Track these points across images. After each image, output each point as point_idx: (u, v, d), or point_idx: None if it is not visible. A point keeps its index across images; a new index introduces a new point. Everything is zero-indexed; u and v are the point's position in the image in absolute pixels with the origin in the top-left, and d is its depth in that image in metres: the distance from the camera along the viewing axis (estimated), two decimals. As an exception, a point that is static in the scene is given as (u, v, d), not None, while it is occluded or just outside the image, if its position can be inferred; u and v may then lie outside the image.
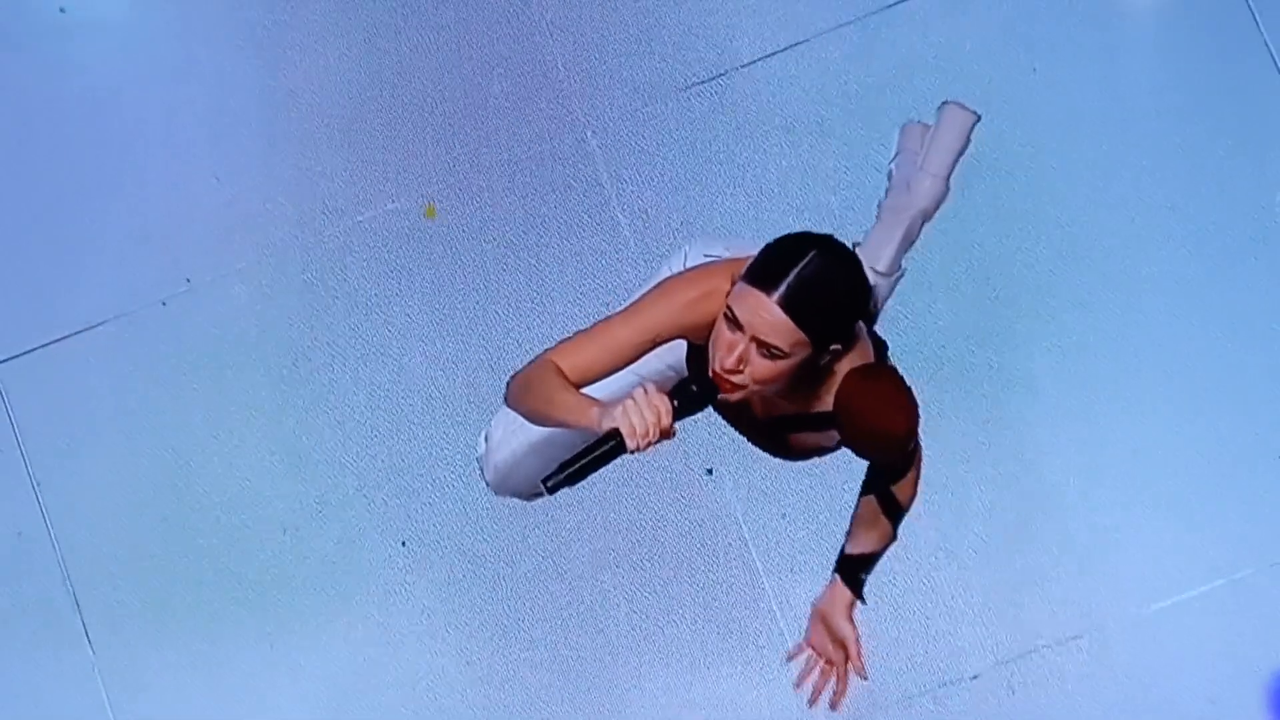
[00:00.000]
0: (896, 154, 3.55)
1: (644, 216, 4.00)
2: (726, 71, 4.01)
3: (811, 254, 2.52)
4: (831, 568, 3.19)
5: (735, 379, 2.57)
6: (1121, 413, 3.78)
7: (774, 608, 3.94)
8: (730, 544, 3.97)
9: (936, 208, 3.45)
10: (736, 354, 2.54)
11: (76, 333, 3.92)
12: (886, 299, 3.36)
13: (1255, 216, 3.80)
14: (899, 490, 2.92)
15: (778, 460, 3.04)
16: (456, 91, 4.03)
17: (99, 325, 3.90)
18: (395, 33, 4.06)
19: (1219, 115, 3.83)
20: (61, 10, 4.00)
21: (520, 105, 4.01)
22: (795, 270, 2.50)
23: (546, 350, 2.80)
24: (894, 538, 2.97)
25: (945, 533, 3.79)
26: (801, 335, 2.51)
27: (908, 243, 3.47)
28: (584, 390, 2.79)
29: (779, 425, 2.87)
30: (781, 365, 2.54)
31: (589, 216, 3.97)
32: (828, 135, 3.96)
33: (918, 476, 2.93)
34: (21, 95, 4.00)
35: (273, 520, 3.84)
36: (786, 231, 2.82)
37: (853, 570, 2.95)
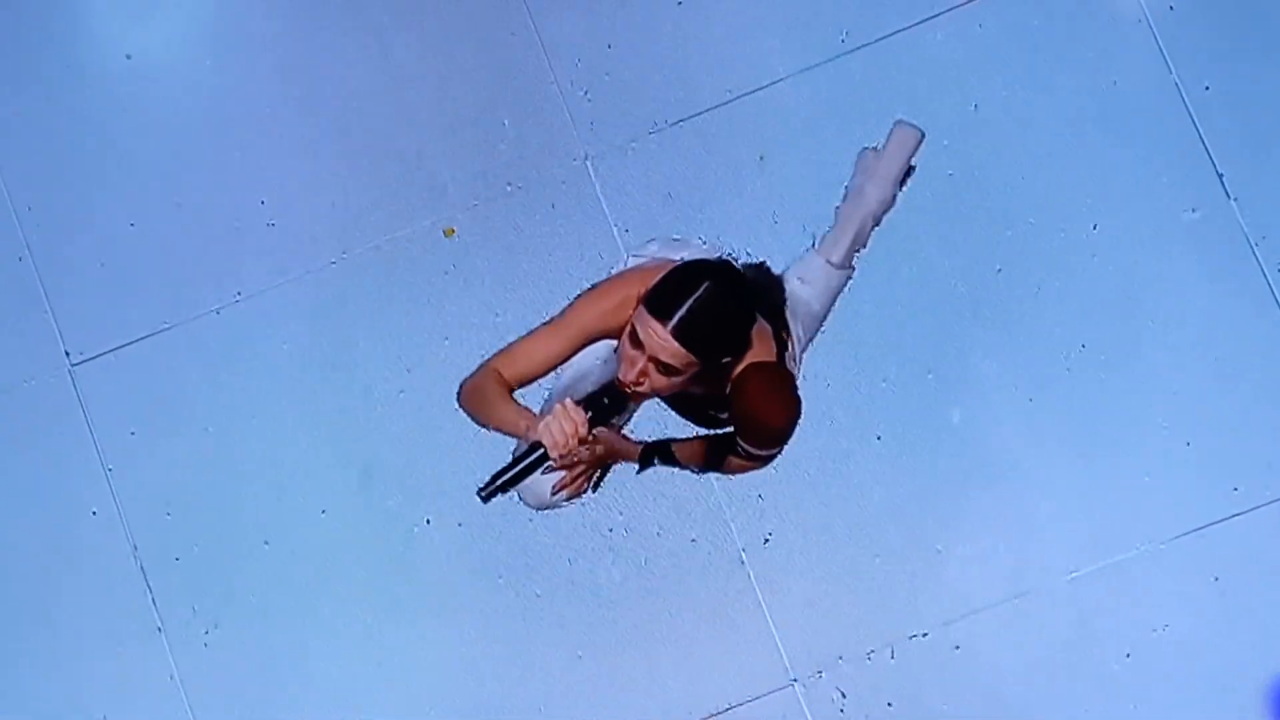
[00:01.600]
0: (854, 175, 3.81)
1: (640, 239, 4.06)
2: (721, 104, 4.15)
3: (704, 286, 2.74)
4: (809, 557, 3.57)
5: (638, 389, 2.80)
6: (1054, 401, 3.96)
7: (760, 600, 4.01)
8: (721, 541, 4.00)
9: (884, 212, 3.77)
10: (637, 369, 2.77)
11: (141, 338, 4.14)
12: (840, 290, 3.65)
13: (1168, 224, 3.97)
14: (736, 458, 3.10)
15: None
16: (471, 124, 4.17)
17: (161, 331, 4.13)
18: (420, 79, 4.22)
19: (1138, 145, 3.98)
20: (128, 57, 4.21)
21: (525, 135, 4.15)
22: (688, 304, 2.73)
23: (490, 358, 2.99)
24: (698, 470, 3.22)
25: (900, 504, 3.95)
26: (692, 358, 2.74)
27: (858, 242, 3.75)
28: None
29: (692, 403, 3.11)
30: (676, 379, 2.78)
31: (590, 239, 4.11)
32: (822, 164, 4.07)
33: (753, 468, 3.13)
34: (92, 130, 4.21)
35: (313, 500, 4.05)
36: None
37: (654, 450, 3.19)
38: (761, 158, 4.08)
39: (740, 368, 2.96)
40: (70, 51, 4.24)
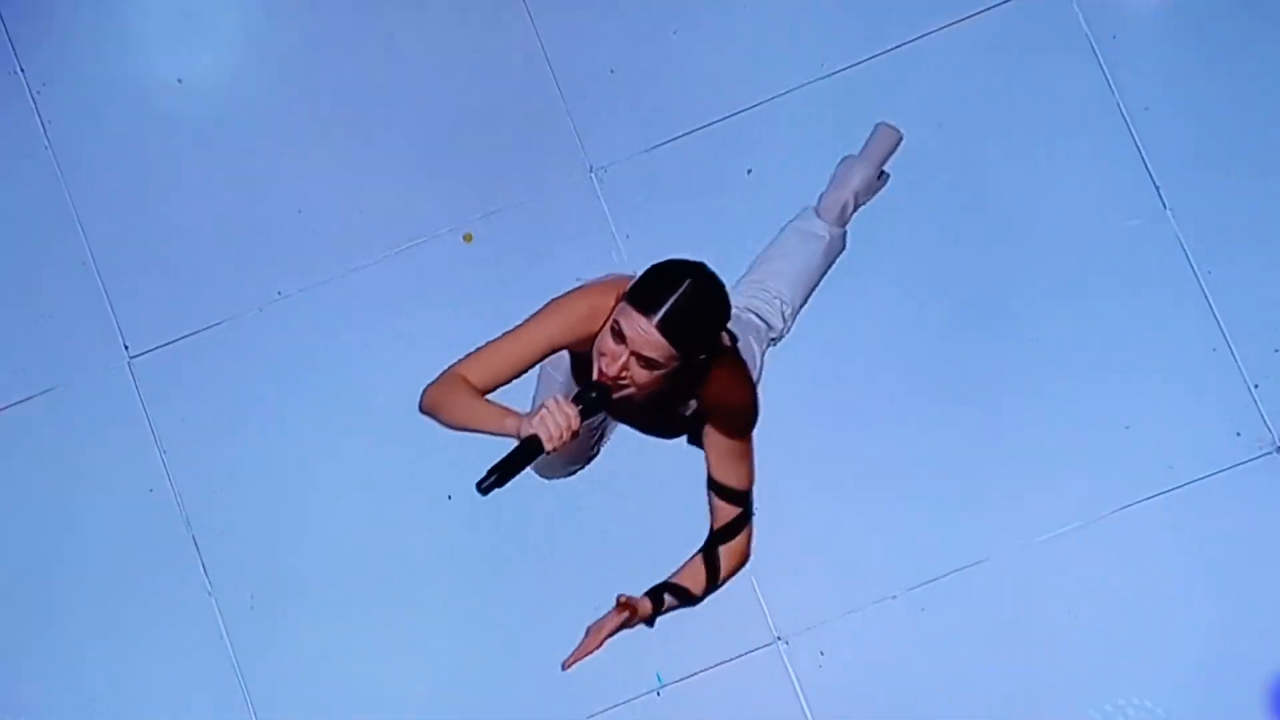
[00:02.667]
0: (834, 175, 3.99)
1: (643, 248, 4.23)
2: (713, 122, 4.33)
3: (687, 282, 2.77)
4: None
5: (621, 382, 2.81)
6: (1009, 388, 4.14)
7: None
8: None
9: (867, 188, 3.94)
10: (620, 363, 2.78)
11: (192, 334, 4.34)
12: (840, 251, 3.88)
13: (1112, 231, 4.17)
14: (725, 553, 3.07)
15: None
16: (487, 140, 4.34)
17: (210, 327, 4.32)
18: (440, 101, 4.37)
19: (1085, 161, 4.19)
20: (179, 80, 4.41)
21: (537, 150, 4.32)
22: (673, 298, 2.75)
23: (453, 365, 2.99)
24: (698, 599, 3.08)
25: (870, 484, 4.11)
26: (674, 352, 2.76)
27: (846, 211, 3.89)
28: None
29: (660, 408, 3.06)
30: (657, 373, 2.79)
31: (595, 244, 4.27)
32: (804, 176, 4.09)
33: (744, 554, 3.11)
34: (149, 147, 4.39)
35: (347, 479, 4.23)
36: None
37: (662, 593, 3.10)
38: (749, 171, 4.25)
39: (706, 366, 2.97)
40: (129, 77, 4.43)
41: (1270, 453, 4.04)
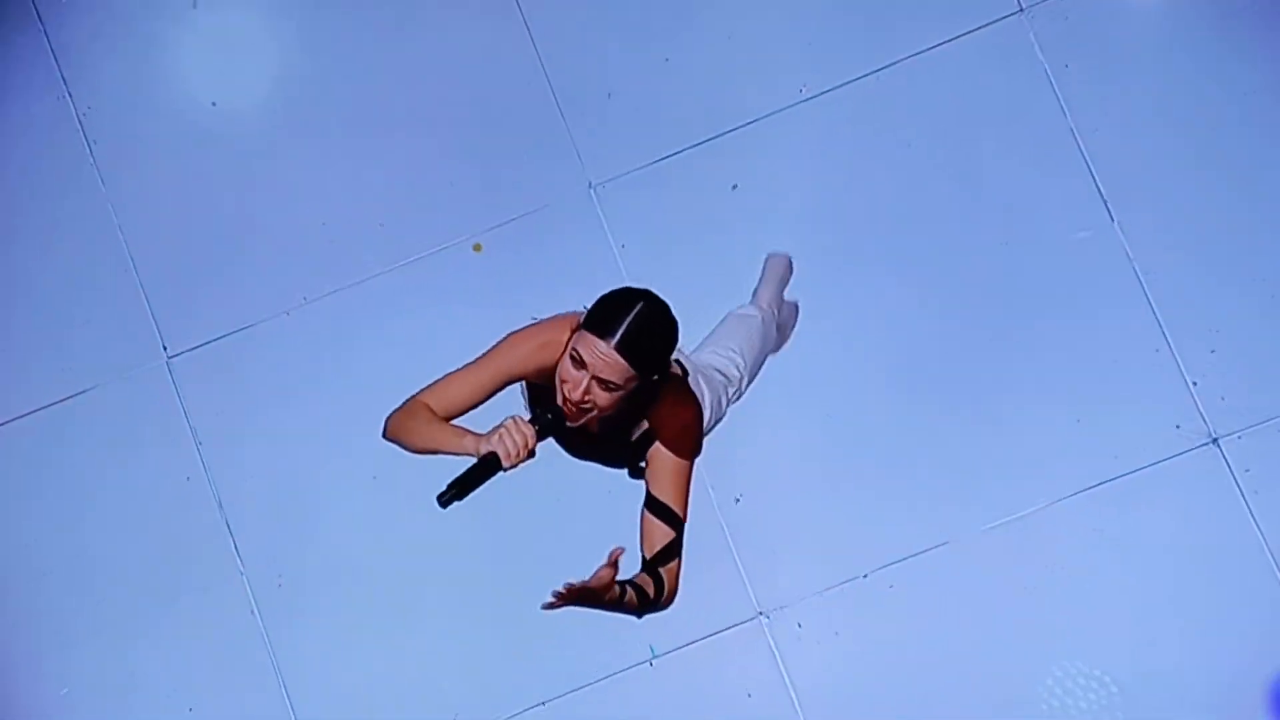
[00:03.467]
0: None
1: (638, 256, 4.33)
2: (702, 141, 4.37)
3: (639, 306, 2.78)
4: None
5: (583, 407, 2.81)
6: (971, 383, 4.20)
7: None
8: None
9: (779, 297, 4.08)
10: (582, 388, 2.80)
11: (225, 335, 4.37)
12: (789, 323, 4.11)
13: (1064, 241, 4.24)
14: (665, 573, 2.97)
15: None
16: (495, 159, 4.39)
17: (242, 330, 4.35)
18: (451, 123, 4.39)
19: (1041, 178, 4.25)
20: (214, 104, 4.44)
21: (541, 167, 4.38)
22: (628, 320, 2.77)
23: (416, 393, 3.01)
24: (647, 605, 2.97)
25: (843, 473, 4.18)
26: (633, 372, 2.77)
27: (772, 306, 4.02)
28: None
29: (612, 433, 3.07)
30: (616, 395, 2.80)
31: (595, 254, 4.32)
32: (783, 190, 4.35)
33: (675, 582, 3.02)
34: (186, 164, 4.42)
35: (365, 468, 4.25)
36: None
37: (625, 585, 2.91)
38: (734, 186, 4.30)
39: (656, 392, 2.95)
40: (167, 101, 4.45)
41: (1207, 444, 4.10)
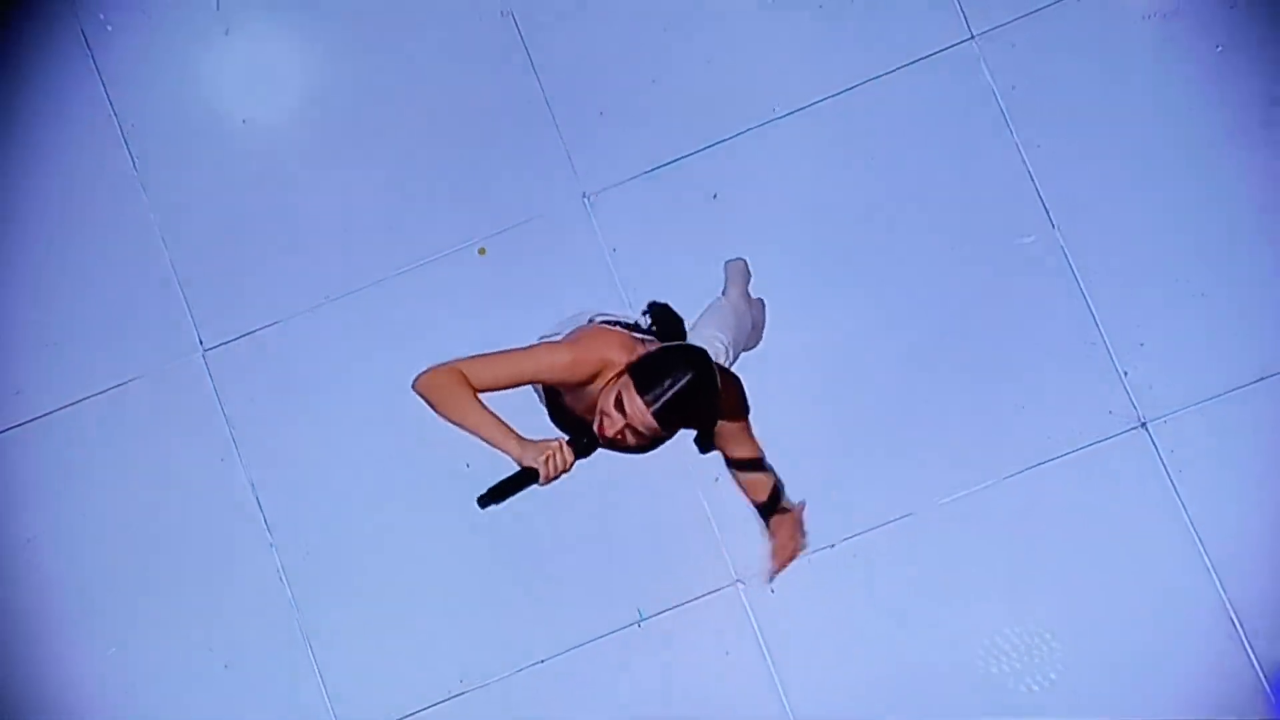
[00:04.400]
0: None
1: (627, 259, 4.42)
2: (687, 155, 4.45)
3: (687, 377, 2.76)
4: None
5: (618, 443, 2.85)
6: (926, 377, 4.35)
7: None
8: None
9: (745, 294, 4.13)
10: (617, 429, 2.82)
11: (254, 330, 4.47)
12: (763, 323, 4.18)
13: (1010, 245, 4.37)
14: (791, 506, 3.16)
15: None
16: (497, 170, 4.46)
17: (270, 325, 4.46)
18: (458, 139, 4.47)
19: (988, 189, 4.38)
20: (244, 121, 4.51)
21: (539, 178, 4.44)
22: (671, 392, 2.75)
23: (455, 360, 2.93)
24: (777, 480, 3.15)
25: (813, 447, 4.25)
26: (663, 433, 2.83)
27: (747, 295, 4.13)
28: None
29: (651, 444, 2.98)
30: (644, 441, 2.86)
31: (588, 259, 4.40)
32: (761, 200, 4.43)
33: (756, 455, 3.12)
34: (220, 175, 4.50)
35: (383, 446, 4.36)
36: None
37: (772, 508, 3.18)
38: (715, 196, 4.40)
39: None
40: (204, 118, 4.53)
41: (1136, 428, 4.28)
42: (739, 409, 3.09)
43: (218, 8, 4.56)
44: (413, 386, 2.90)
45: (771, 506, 3.15)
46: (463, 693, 4.37)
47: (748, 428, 3.12)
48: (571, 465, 2.82)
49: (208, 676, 4.39)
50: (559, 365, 2.92)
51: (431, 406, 2.88)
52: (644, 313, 3.26)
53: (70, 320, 4.50)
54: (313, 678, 4.38)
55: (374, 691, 4.37)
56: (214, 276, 4.51)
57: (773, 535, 3.15)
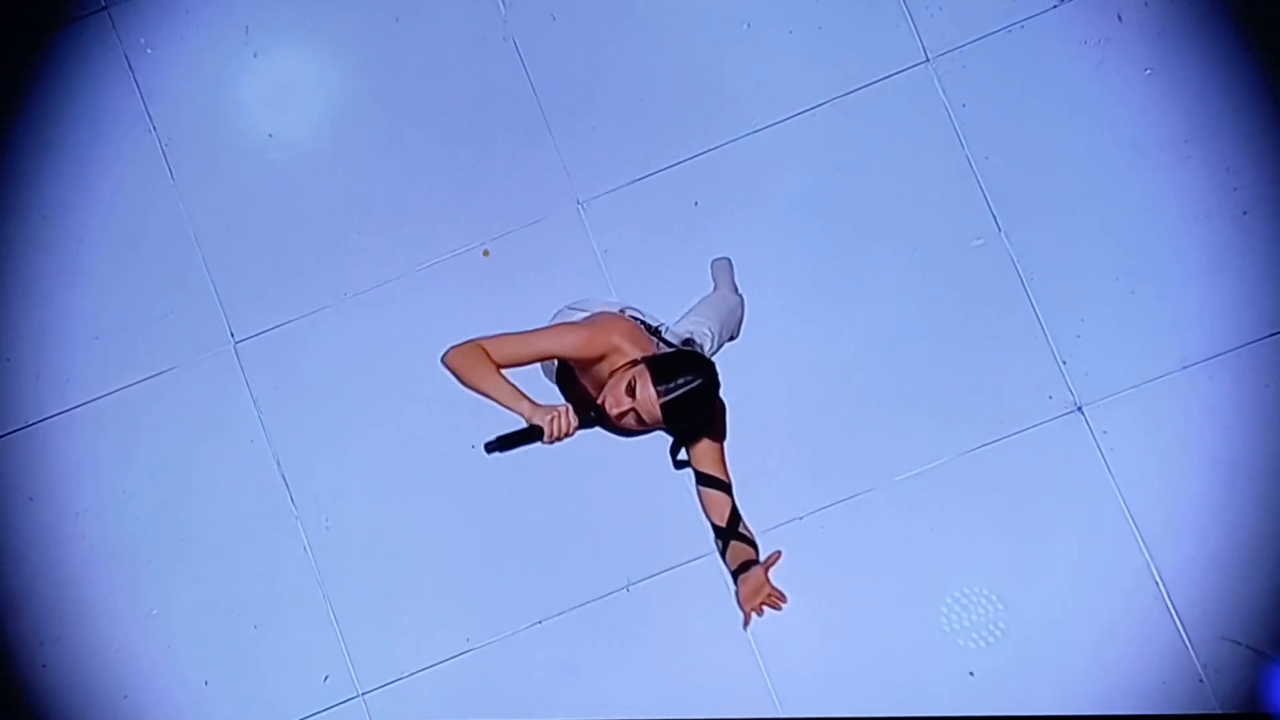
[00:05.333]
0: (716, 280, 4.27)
1: (617, 260, 4.55)
2: (671, 165, 4.58)
3: (699, 381, 2.87)
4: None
5: (618, 422, 2.94)
6: (877, 368, 4.50)
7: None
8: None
9: (731, 288, 4.24)
10: (622, 410, 2.91)
11: (280, 324, 4.59)
12: (741, 315, 4.28)
13: (963, 248, 4.53)
14: (744, 528, 3.14)
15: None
16: (499, 180, 4.56)
17: (294, 320, 4.59)
18: (463, 152, 4.57)
19: (943, 198, 4.52)
20: (270, 135, 4.63)
21: (536, 186, 4.56)
22: (682, 390, 2.85)
23: (479, 338, 3.04)
24: (735, 506, 3.14)
25: (784, 429, 4.41)
26: (663, 424, 2.93)
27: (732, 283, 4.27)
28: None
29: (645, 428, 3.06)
30: (646, 428, 2.96)
31: (581, 261, 4.52)
32: (740, 208, 4.54)
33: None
34: (244, 185, 4.63)
35: (400, 427, 4.47)
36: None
37: (730, 533, 3.17)
38: (696, 203, 4.54)
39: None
40: (234, 132, 4.65)
41: (1073, 411, 4.45)
42: (721, 430, 3.15)
43: (246, 33, 4.70)
44: (441, 360, 3.02)
45: (730, 531, 3.16)
46: (469, 650, 4.51)
47: (723, 451, 3.17)
48: (574, 431, 2.90)
49: (239, 636, 4.53)
50: (573, 343, 3.03)
51: (457, 376, 3.00)
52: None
53: (114, 316, 4.63)
54: (333, 637, 4.52)
55: (389, 649, 4.51)
56: (243, 276, 4.64)
57: (740, 585, 3.12)
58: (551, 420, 2.87)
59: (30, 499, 4.58)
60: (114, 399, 4.61)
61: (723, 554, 3.15)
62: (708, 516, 3.18)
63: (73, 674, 4.52)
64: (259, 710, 4.52)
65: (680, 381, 2.86)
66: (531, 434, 2.92)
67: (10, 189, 4.65)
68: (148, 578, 4.55)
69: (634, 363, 2.93)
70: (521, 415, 2.94)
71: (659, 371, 2.87)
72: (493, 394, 2.96)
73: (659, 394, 2.84)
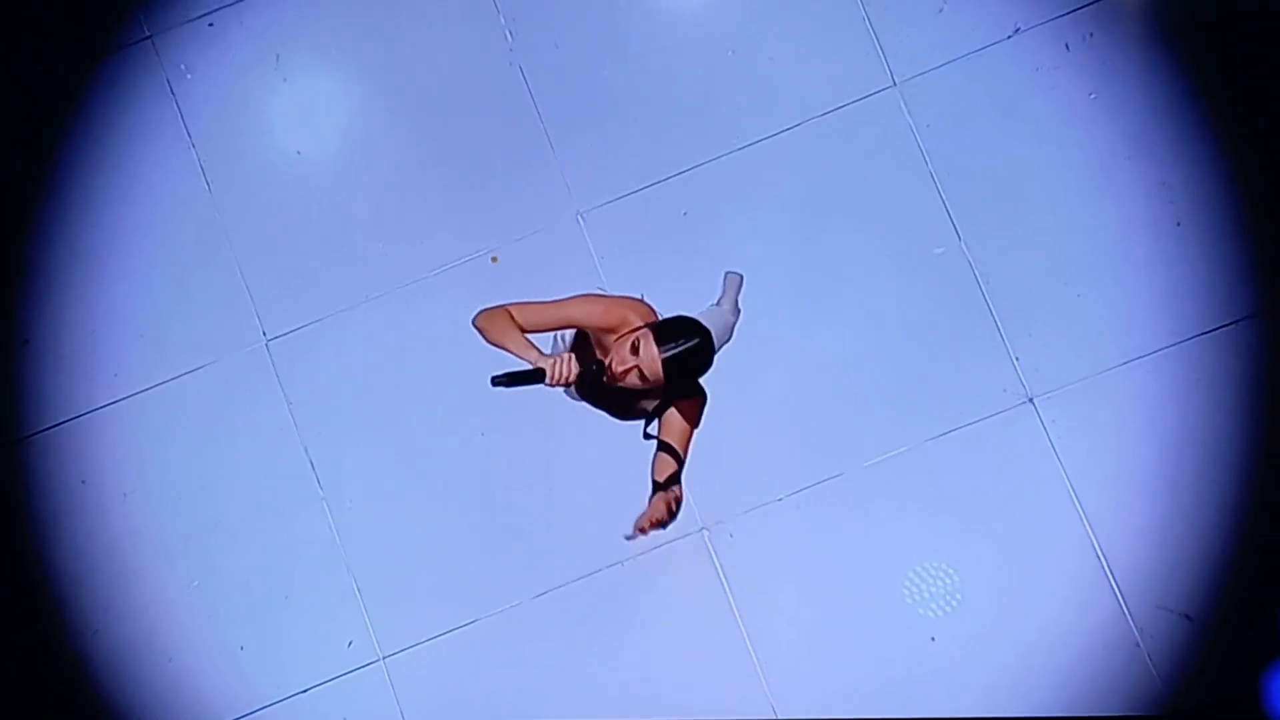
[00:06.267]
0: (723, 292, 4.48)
1: (613, 266, 4.74)
2: (660, 180, 4.76)
3: (695, 341, 3.05)
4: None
5: (621, 380, 3.11)
6: (844, 363, 4.69)
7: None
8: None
9: (734, 306, 4.45)
10: (625, 368, 3.08)
11: (309, 324, 4.79)
12: (734, 321, 4.55)
13: (925, 254, 4.75)
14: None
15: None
16: (502, 193, 4.75)
17: (321, 320, 4.78)
18: (472, 167, 4.76)
19: (908, 214, 4.72)
20: (299, 152, 4.81)
21: (539, 197, 4.74)
22: (682, 347, 3.03)
23: (506, 304, 3.26)
24: (679, 472, 3.21)
25: (767, 412, 4.58)
26: (664, 380, 3.09)
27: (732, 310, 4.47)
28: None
29: (631, 398, 3.33)
30: (647, 385, 3.11)
31: (580, 267, 4.69)
32: (725, 216, 4.72)
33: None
34: (274, 198, 4.81)
35: (412, 416, 4.70)
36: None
37: (664, 489, 3.24)
38: (685, 213, 4.75)
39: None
40: (265, 149, 4.85)
41: (1025, 403, 4.68)
42: (696, 415, 3.32)
43: (277, 61, 4.90)
44: (472, 322, 3.26)
45: (664, 487, 3.32)
46: (477, 620, 4.71)
47: (691, 433, 3.35)
48: (574, 378, 3.05)
49: (271, 605, 4.73)
50: (593, 312, 3.25)
51: (483, 335, 3.22)
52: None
53: (157, 316, 4.83)
54: (357, 607, 4.72)
55: (406, 618, 4.72)
56: (275, 280, 4.83)
57: (650, 504, 3.27)
58: (554, 364, 3.04)
59: (83, 482, 4.77)
60: (157, 391, 4.81)
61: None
62: (651, 474, 3.31)
63: (121, 639, 4.72)
64: (289, 672, 4.72)
65: (680, 341, 3.05)
66: (535, 375, 3.07)
67: (64, 201, 4.85)
68: (189, 553, 4.75)
69: (639, 328, 3.12)
70: (529, 361, 3.12)
71: (661, 332, 3.06)
72: (509, 346, 3.16)
73: (661, 351, 3.02)
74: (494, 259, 4.79)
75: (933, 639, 4.70)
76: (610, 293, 3.60)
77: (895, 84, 4.81)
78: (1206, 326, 4.73)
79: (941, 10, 4.79)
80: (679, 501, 3.26)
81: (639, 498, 4.07)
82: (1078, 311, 4.71)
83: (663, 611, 4.68)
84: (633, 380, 3.09)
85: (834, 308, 4.77)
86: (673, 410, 3.28)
